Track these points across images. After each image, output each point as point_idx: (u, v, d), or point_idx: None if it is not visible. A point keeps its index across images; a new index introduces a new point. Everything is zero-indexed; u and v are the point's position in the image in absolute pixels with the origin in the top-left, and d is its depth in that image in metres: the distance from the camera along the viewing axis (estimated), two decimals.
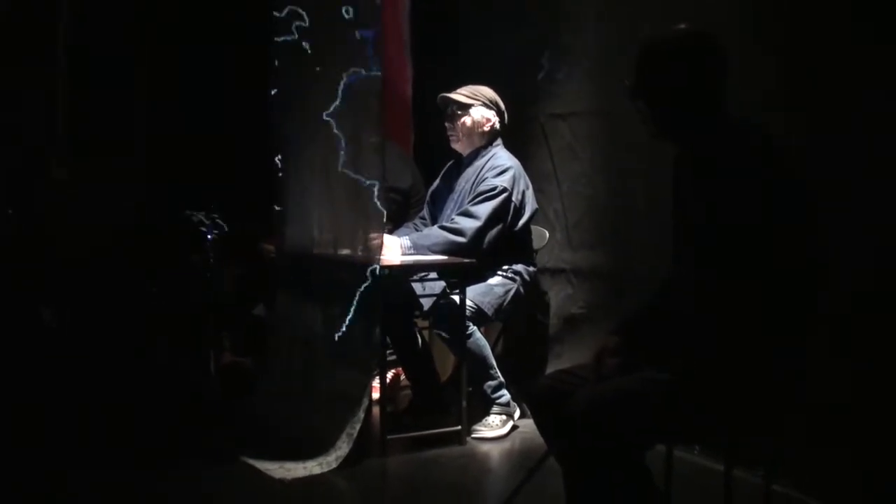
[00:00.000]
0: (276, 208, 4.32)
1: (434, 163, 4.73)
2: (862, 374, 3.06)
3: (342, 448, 3.64)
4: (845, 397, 3.07)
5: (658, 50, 2.44)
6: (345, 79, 3.82)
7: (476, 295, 4.10)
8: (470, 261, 4.00)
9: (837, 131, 3.12)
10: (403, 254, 4.02)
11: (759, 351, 2.25)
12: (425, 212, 4.53)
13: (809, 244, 2.31)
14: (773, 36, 3.35)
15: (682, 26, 2.46)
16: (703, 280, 2.28)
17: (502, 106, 4.34)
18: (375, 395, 4.01)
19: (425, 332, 4.48)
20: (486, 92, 4.33)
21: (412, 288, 4.09)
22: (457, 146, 4.39)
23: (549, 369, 4.42)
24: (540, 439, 2.60)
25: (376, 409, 4.00)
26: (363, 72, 3.76)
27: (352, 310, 3.79)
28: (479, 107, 4.30)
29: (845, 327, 3.05)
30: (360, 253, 3.80)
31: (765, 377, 2.28)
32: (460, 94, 4.31)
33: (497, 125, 4.33)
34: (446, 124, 4.36)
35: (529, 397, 2.57)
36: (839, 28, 3.13)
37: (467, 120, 4.30)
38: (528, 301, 4.34)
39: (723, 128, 2.39)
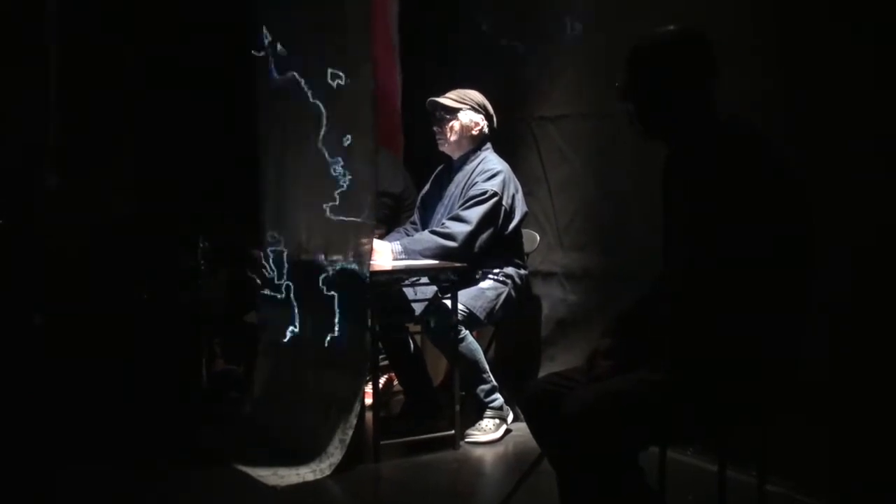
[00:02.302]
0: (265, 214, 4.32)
1: (424, 167, 4.73)
2: (857, 369, 3.07)
3: (335, 454, 3.63)
4: (839, 393, 3.08)
5: (644, 50, 2.44)
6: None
7: (468, 299, 4.10)
8: (461, 265, 4.00)
9: (837, 130, 3.13)
10: (394, 259, 4.02)
11: (752, 345, 2.26)
12: (416, 217, 4.53)
13: (804, 240, 2.32)
14: (772, 36, 3.36)
15: (670, 27, 2.46)
16: (695, 278, 2.28)
17: (490, 109, 4.34)
18: (368, 400, 4.00)
19: (417, 337, 4.48)
20: (475, 96, 4.33)
21: (404, 293, 4.09)
22: (444, 149, 4.39)
23: (542, 372, 4.42)
24: (533, 443, 2.60)
25: (369, 415, 4.01)
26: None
27: (343, 315, 3.79)
28: (467, 111, 4.30)
29: (841, 324, 3.06)
30: (350, 258, 3.80)
31: (757, 371, 2.28)
32: (448, 98, 4.31)
33: (486, 129, 4.33)
34: (434, 128, 4.36)
35: (522, 401, 2.57)
36: (838, 28, 3.15)
37: (455, 124, 4.30)
38: (519, 304, 4.34)
39: (712, 127, 2.39)
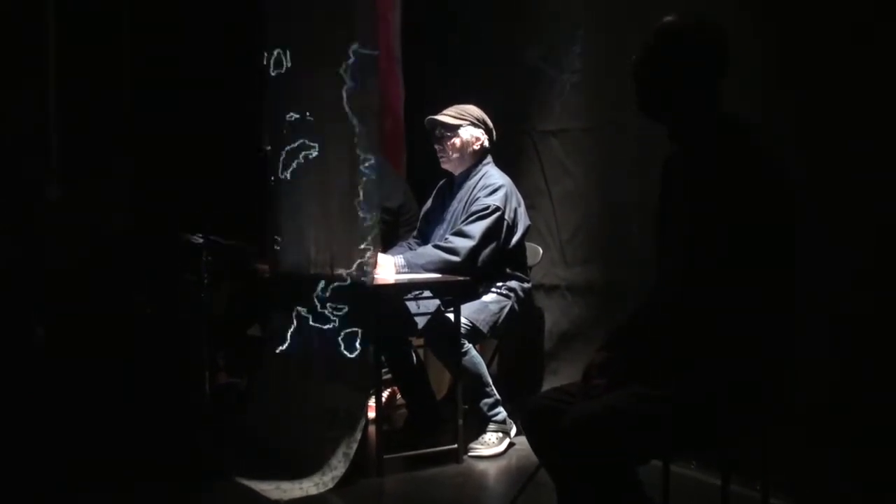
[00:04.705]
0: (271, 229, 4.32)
1: (427, 181, 4.73)
2: (858, 371, 3.07)
3: (339, 468, 3.63)
4: (843, 405, 3.08)
5: (663, 36, 2.43)
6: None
7: (471, 312, 4.10)
8: (464, 278, 4.00)
9: (837, 130, 3.14)
10: (397, 272, 4.02)
11: (753, 345, 2.27)
12: (418, 231, 4.53)
13: (793, 240, 2.33)
14: (772, 36, 3.37)
15: (692, 18, 2.45)
16: (695, 278, 2.28)
17: (490, 123, 4.34)
18: (371, 414, 4.00)
19: (420, 351, 4.47)
20: (473, 110, 4.33)
21: (406, 306, 4.09)
22: (448, 167, 4.39)
23: (545, 386, 4.42)
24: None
25: (372, 429, 4.00)
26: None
27: (347, 329, 3.79)
28: (467, 126, 4.30)
29: (841, 324, 3.06)
30: (354, 271, 3.80)
31: (757, 372, 2.29)
32: (447, 116, 4.31)
33: (486, 143, 4.33)
34: (436, 146, 4.36)
35: (522, 416, 2.57)
36: (838, 28, 3.16)
37: (457, 141, 4.30)
38: (522, 318, 4.33)
39: (712, 125, 2.39)
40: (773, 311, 2.30)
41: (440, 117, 4.32)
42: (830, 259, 3.05)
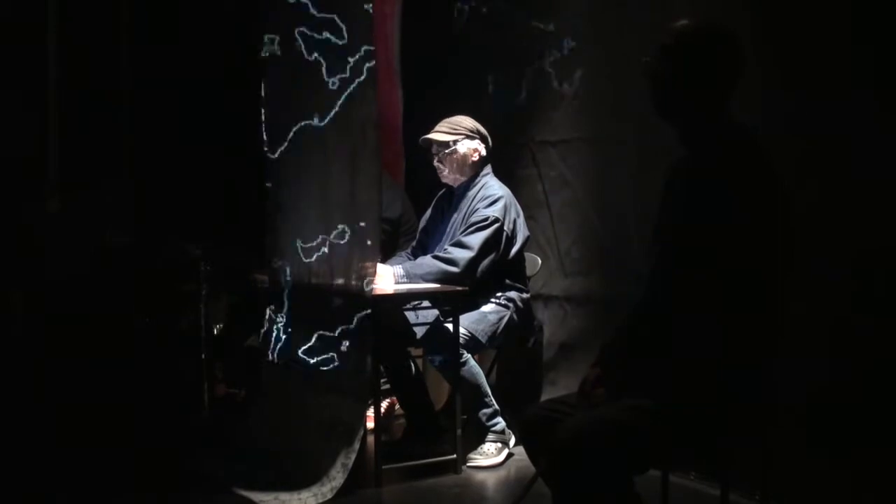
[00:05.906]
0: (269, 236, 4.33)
1: (426, 191, 4.73)
2: (858, 374, 3.07)
3: (337, 478, 3.62)
4: (843, 405, 3.08)
5: (680, 36, 2.43)
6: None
7: (470, 323, 4.10)
8: (463, 288, 4.00)
9: (837, 130, 3.14)
10: (396, 282, 4.02)
11: (754, 347, 2.28)
12: (417, 242, 4.53)
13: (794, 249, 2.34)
14: (772, 36, 3.37)
15: (712, 23, 2.46)
16: (698, 283, 2.29)
17: (484, 131, 4.33)
18: (370, 424, 3.99)
19: (419, 361, 4.47)
20: (465, 122, 4.31)
21: (405, 316, 4.09)
22: (448, 181, 4.38)
23: (544, 396, 4.41)
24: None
25: (371, 439, 3.99)
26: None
27: (346, 339, 3.79)
28: (463, 140, 4.28)
29: (841, 325, 3.07)
30: (353, 282, 3.80)
31: (758, 373, 2.30)
32: (441, 133, 4.29)
33: (483, 152, 4.32)
34: (435, 164, 4.34)
35: (519, 426, 2.57)
36: (838, 28, 3.17)
37: (455, 156, 4.29)
38: (521, 328, 4.33)
39: (717, 131, 2.40)
40: (776, 314, 2.31)
41: (434, 135, 4.30)
42: (830, 261, 3.05)
